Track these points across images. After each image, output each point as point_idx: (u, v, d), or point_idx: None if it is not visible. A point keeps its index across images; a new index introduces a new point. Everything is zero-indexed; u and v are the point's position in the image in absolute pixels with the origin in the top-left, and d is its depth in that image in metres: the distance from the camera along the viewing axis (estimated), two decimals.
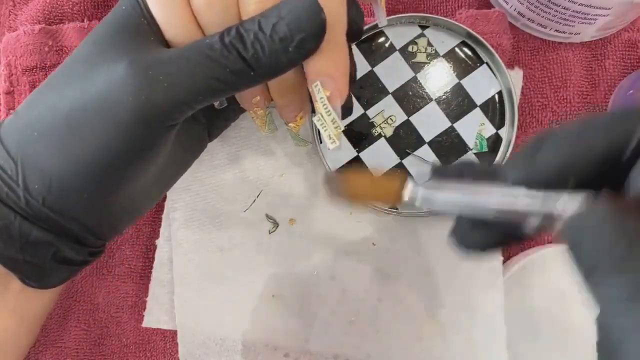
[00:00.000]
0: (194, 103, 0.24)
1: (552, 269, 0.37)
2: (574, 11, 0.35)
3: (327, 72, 0.25)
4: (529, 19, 0.38)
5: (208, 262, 0.38)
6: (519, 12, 0.38)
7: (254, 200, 0.38)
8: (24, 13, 0.40)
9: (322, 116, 0.25)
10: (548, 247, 0.37)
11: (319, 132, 0.36)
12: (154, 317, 0.38)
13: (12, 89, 0.39)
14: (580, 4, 0.34)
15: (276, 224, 0.38)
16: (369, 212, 0.38)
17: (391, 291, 0.37)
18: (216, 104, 0.30)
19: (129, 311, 0.39)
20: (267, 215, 0.38)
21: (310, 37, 0.23)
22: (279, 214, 0.38)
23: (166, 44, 0.26)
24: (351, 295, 0.37)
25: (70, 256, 0.28)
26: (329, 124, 0.25)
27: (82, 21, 0.39)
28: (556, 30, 0.38)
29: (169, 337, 0.39)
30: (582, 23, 0.36)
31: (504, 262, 0.37)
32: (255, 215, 0.38)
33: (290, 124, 0.30)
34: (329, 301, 0.37)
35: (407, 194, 0.23)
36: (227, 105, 0.32)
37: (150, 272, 0.39)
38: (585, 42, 0.39)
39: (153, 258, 0.39)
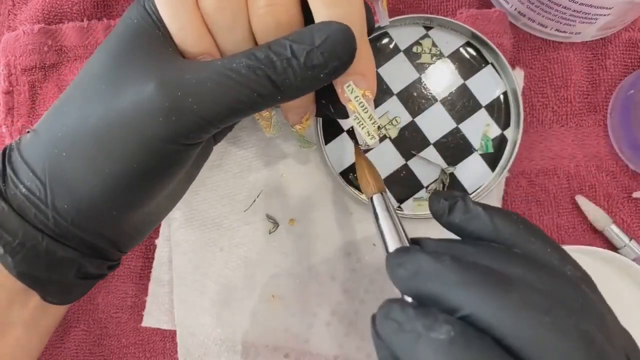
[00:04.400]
0: (220, 123, 0.25)
1: None
2: (574, 11, 0.35)
3: (359, 71, 0.25)
4: (529, 19, 0.38)
5: (208, 262, 0.38)
6: (519, 12, 0.38)
7: (254, 200, 0.38)
8: (23, 13, 0.40)
9: (359, 115, 0.26)
10: None
11: (323, 132, 0.37)
12: (153, 317, 0.38)
13: (11, 88, 0.39)
14: (581, 4, 0.34)
15: (276, 224, 0.38)
16: (369, 212, 0.38)
17: (391, 292, 0.37)
18: None
19: (128, 311, 0.39)
20: (267, 215, 0.38)
21: (343, 64, 0.24)
22: (279, 214, 0.38)
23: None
24: (351, 295, 0.37)
25: (91, 271, 0.28)
26: (367, 121, 0.26)
27: (82, 21, 0.39)
28: (557, 30, 0.38)
29: (169, 338, 0.39)
30: (583, 22, 0.36)
31: None
32: (255, 215, 0.38)
33: (296, 126, 0.31)
34: (329, 301, 0.37)
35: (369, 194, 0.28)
36: None
37: (150, 272, 0.39)
38: (586, 41, 0.39)
39: (152, 258, 0.39)
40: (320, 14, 0.24)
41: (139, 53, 0.25)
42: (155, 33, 0.26)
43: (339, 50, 0.23)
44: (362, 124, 0.26)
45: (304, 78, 0.24)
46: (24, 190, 0.26)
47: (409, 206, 0.37)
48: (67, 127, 0.25)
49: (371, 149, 0.29)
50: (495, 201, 0.37)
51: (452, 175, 0.37)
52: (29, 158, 0.26)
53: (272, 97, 0.24)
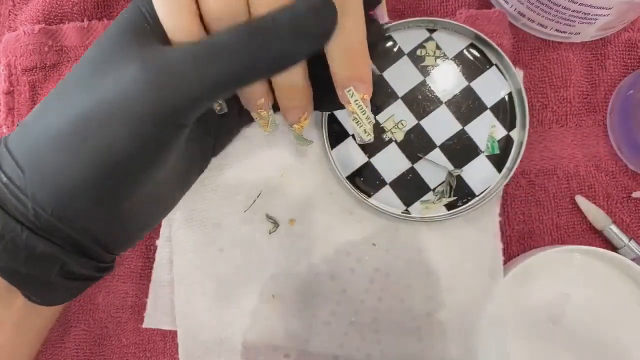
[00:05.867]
0: (206, 101, 0.24)
1: (552, 270, 0.37)
2: (574, 11, 0.35)
3: (358, 77, 0.27)
4: (529, 19, 0.38)
5: (208, 262, 0.38)
6: (519, 12, 0.38)
7: (254, 200, 0.38)
8: (23, 13, 0.40)
9: (357, 115, 0.29)
10: (548, 249, 0.37)
11: (329, 136, 0.37)
12: (154, 318, 0.38)
13: (11, 88, 0.39)
14: (581, 4, 0.34)
15: (276, 224, 0.38)
16: (369, 212, 0.38)
17: (391, 291, 0.37)
18: (217, 109, 0.30)
19: (128, 311, 0.39)
20: (267, 215, 0.38)
21: (324, 34, 0.24)
22: (279, 214, 0.38)
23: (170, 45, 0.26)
24: (351, 295, 0.37)
25: (76, 270, 0.27)
26: (364, 121, 0.29)
27: (82, 21, 0.39)
28: (556, 30, 0.38)
29: (169, 337, 0.39)
30: (583, 23, 0.36)
31: (505, 262, 0.37)
32: (255, 215, 0.38)
33: (294, 126, 0.31)
34: (329, 301, 0.37)
35: None
36: (229, 116, 0.32)
37: (150, 272, 0.39)
38: (586, 41, 0.39)
39: (153, 258, 0.39)
40: None
41: (124, 44, 0.25)
42: (144, 27, 0.26)
43: (320, 20, 0.24)
44: (360, 123, 0.29)
45: (286, 50, 0.24)
46: (4, 179, 0.25)
47: (415, 209, 0.37)
48: (49, 116, 0.25)
49: (366, 143, 0.30)
50: (495, 200, 0.38)
51: (458, 177, 0.37)
52: (13, 148, 0.25)
53: (256, 70, 0.24)
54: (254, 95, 0.30)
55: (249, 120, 0.34)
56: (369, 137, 0.29)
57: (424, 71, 0.37)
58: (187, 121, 0.25)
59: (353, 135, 0.37)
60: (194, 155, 0.31)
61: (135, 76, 0.24)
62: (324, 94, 0.30)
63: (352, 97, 0.28)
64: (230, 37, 0.24)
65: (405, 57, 0.37)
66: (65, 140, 0.24)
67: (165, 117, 0.24)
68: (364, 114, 0.28)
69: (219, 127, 0.32)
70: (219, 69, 0.23)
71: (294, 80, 0.28)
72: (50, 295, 0.28)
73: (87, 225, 0.26)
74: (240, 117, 0.32)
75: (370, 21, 0.27)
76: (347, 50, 0.26)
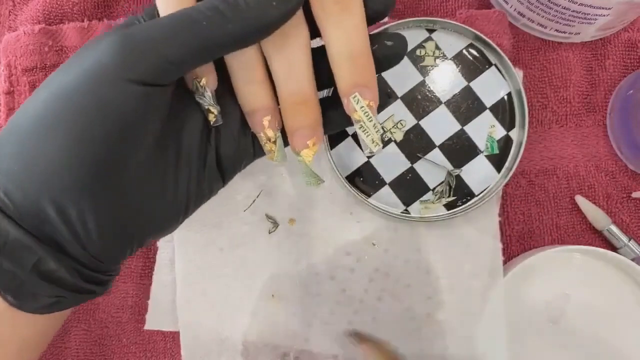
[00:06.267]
0: (180, 64, 0.24)
1: (552, 270, 0.37)
2: (574, 11, 0.35)
3: (364, 83, 0.26)
4: (529, 19, 0.38)
5: (208, 263, 0.38)
6: (519, 12, 0.38)
7: (254, 200, 0.38)
8: (24, 13, 0.40)
9: (364, 124, 0.27)
10: (548, 249, 0.37)
11: (328, 138, 0.37)
12: (156, 320, 0.38)
13: (12, 89, 0.39)
14: (580, 4, 0.34)
15: (276, 224, 0.38)
16: (369, 212, 0.38)
17: (391, 291, 0.37)
18: (212, 121, 0.28)
19: (129, 311, 0.39)
20: (267, 215, 0.38)
21: None
22: (279, 214, 0.38)
23: None
24: (351, 295, 0.37)
25: (54, 269, 0.25)
26: (372, 129, 0.27)
27: (82, 21, 0.39)
28: (556, 30, 0.38)
29: (170, 337, 0.39)
30: (582, 23, 0.36)
31: (505, 262, 0.37)
32: (255, 215, 0.38)
33: (303, 152, 0.28)
34: (329, 301, 0.37)
35: None
36: (229, 130, 0.29)
37: (150, 273, 0.39)
38: (586, 42, 0.39)
39: (153, 258, 0.39)
40: (326, 27, 0.25)
41: (110, 31, 0.26)
42: (134, 23, 0.26)
43: None
44: (367, 132, 0.27)
45: (255, 5, 0.23)
46: None
47: (415, 209, 0.37)
48: (32, 98, 0.25)
49: (374, 155, 0.29)
50: (495, 200, 0.38)
51: (458, 177, 0.37)
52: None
53: (226, 30, 0.24)
54: (260, 112, 0.28)
55: (258, 149, 0.30)
56: (377, 148, 0.27)
57: (424, 71, 0.37)
58: (159, 84, 0.24)
59: (352, 136, 0.37)
60: (189, 160, 0.28)
61: (109, 44, 0.24)
62: (329, 110, 0.29)
63: (357, 103, 0.26)
64: (203, 3, 0.24)
65: (405, 57, 0.37)
66: (38, 113, 0.24)
67: (135, 80, 0.24)
68: (370, 121, 0.27)
69: (221, 140, 0.29)
70: (188, 31, 0.24)
71: (300, 84, 0.26)
72: (25, 296, 0.25)
73: (62, 204, 0.24)
74: (242, 129, 0.30)
75: (381, 36, 0.27)
76: (350, 55, 0.26)
